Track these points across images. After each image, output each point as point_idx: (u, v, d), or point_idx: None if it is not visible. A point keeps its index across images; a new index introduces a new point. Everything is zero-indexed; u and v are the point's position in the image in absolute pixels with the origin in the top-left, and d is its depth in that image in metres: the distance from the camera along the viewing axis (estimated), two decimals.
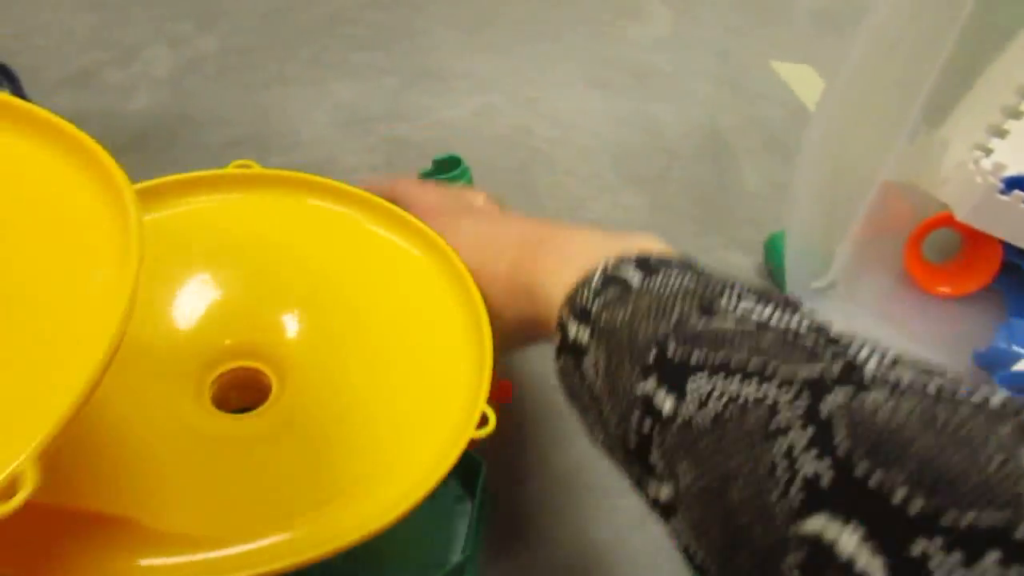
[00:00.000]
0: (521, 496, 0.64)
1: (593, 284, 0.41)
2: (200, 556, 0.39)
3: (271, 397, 0.49)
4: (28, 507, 0.36)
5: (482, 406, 0.46)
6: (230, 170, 0.55)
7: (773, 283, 0.86)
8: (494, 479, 0.61)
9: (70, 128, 0.33)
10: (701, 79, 1.23)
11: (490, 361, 0.49)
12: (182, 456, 0.45)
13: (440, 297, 0.53)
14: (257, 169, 0.56)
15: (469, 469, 0.59)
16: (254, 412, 0.48)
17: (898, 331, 0.81)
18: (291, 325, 0.52)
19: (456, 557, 0.54)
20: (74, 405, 0.27)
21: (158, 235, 0.51)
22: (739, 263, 0.89)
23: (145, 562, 0.38)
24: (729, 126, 1.12)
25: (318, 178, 0.56)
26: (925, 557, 0.24)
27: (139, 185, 0.52)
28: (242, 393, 0.50)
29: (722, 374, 0.33)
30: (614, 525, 0.63)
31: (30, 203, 0.32)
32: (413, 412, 0.49)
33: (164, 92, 1.02)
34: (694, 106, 1.16)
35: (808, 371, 0.31)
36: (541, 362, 0.76)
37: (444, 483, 0.57)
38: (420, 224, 0.55)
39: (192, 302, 0.51)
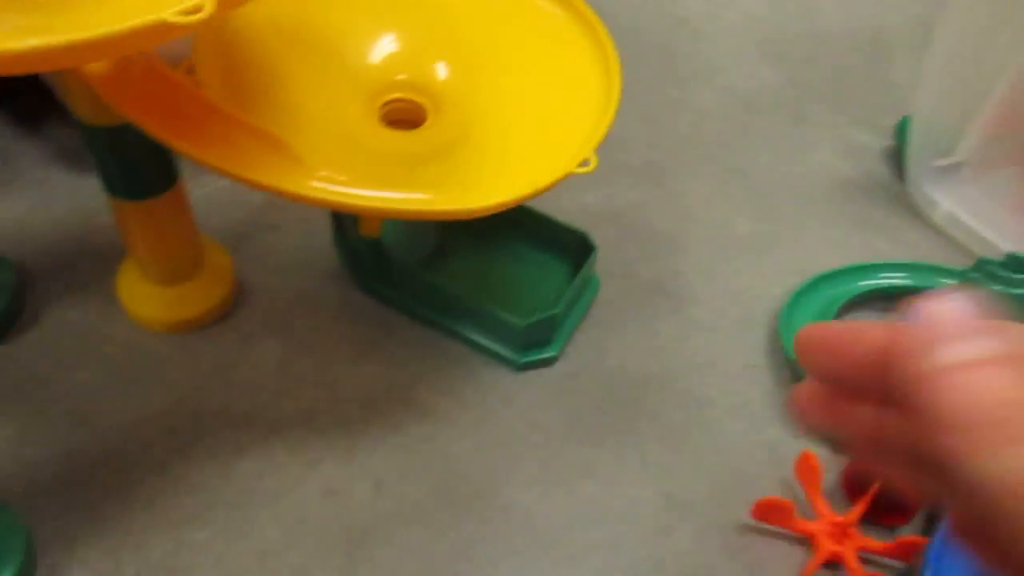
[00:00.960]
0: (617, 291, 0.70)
1: None
2: (356, 190, 0.47)
3: (426, 123, 0.58)
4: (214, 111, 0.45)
5: (589, 152, 0.51)
6: None
7: (899, 164, 0.86)
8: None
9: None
10: None
11: (600, 130, 0.53)
12: (349, 136, 0.55)
13: (579, 58, 0.59)
14: None
15: (584, 251, 0.67)
16: (409, 130, 0.57)
17: (1016, 224, 0.79)
18: (449, 71, 0.60)
19: (555, 310, 0.61)
20: None
21: None
22: (864, 142, 0.89)
23: (318, 183, 0.46)
24: (893, 24, 1.09)
25: None
26: None
27: None
28: (402, 124, 0.59)
29: None
30: (682, 328, 0.68)
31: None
32: (537, 141, 0.56)
33: None
34: (860, 2, 1.13)
35: None
36: (624, 195, 0.81)
37: (559, 262, 0.69)
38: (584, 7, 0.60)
39: (382, 44, 0.60)
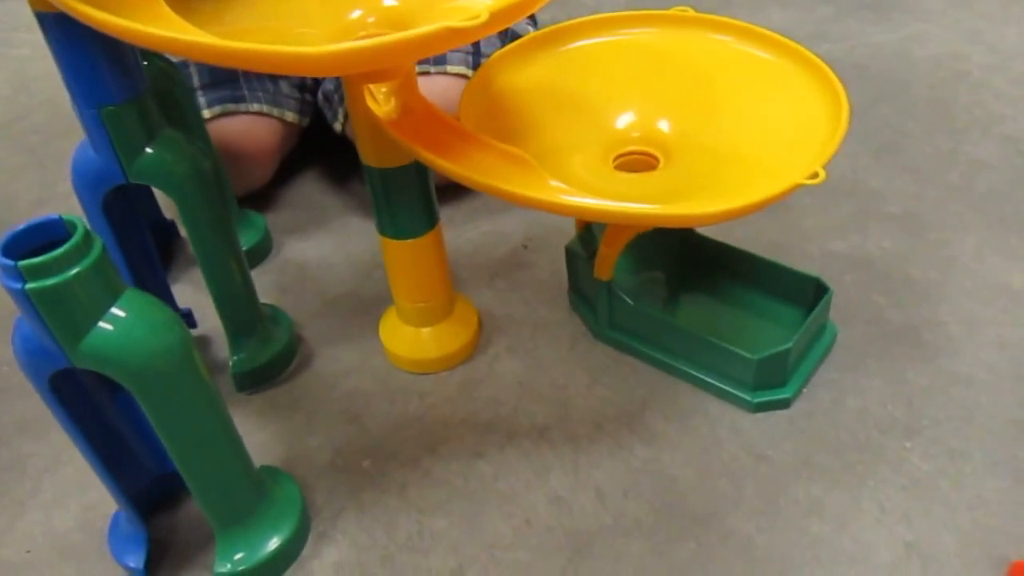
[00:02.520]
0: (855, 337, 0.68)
1: None
2: (592, 199, 0.51)
3: (658, 167, 0.62)
4: (473, 139, 0.53)
5: (818, 167, 0.51)
6: (671, 11, 0.69)
7: None
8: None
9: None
10: None
11: (832, 146, 0.54)
12: (589, 178, 0.61)
13: (803, 93, 0.60)
14: (690, 13, 0.68)
15: (818, 296, 0.66)
16: (643, 173, 0.62)
17: None
18: (678, 126, 0.64)
19: (788, 345, 0.61)
20: None
21: (616, 54, 0.68)
22: None
23: (553, 184, 0.52)
24: None
25: (725, 19, 0.66)
26: None
27: (601, 16, 0.68)
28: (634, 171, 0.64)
29: None
30: (934, 378, 0.64)
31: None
32: (762, 171, 0.57)
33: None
34: None
35: None
36: (877, 243, 0.77)
37: (791, 308, 0.69)
38: (789, 41, 0.62)
39: (625, 102, 0.66)
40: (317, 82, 0.92)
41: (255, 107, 0.85)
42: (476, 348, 0.70)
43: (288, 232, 0.86)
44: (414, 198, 0.61)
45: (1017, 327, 0.67)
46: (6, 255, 0.41)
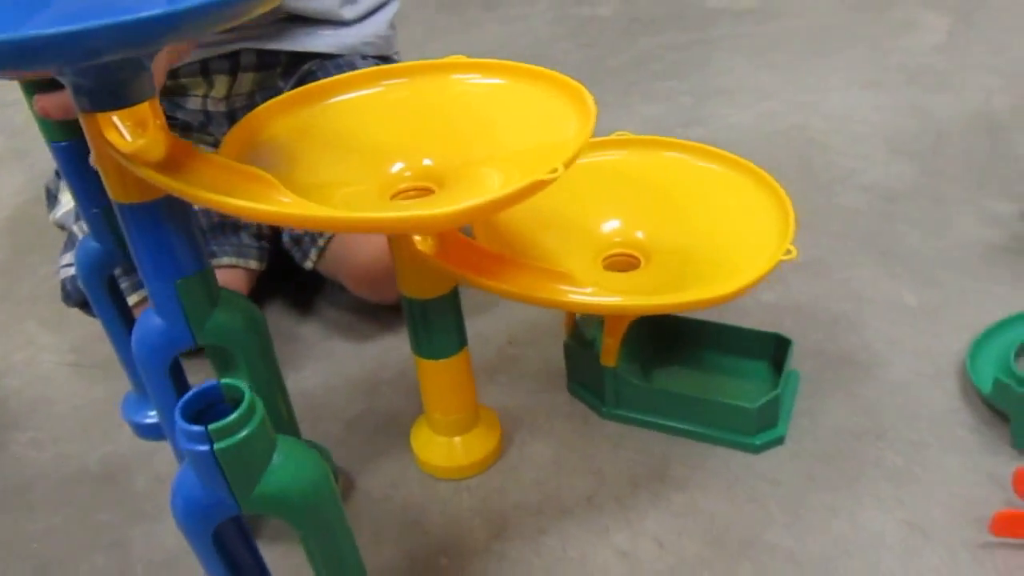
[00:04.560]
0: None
1: None
2: (599, 297, 0.64)
3: (640, 268, 0.75)
4: (502, 258, 0.64)
5: (785, 247, 0.66)
6: (612, 137, 0.82)
7: None
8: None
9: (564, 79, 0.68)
10: (975, 72, 1.32)
11: (790, 231, 0.68)
12: (585, 271, 0.73)
13: (751, 197, 0.75)
14: (629, 136, 0.82)
15: (780, 347, 0.79)
16: (629, 273, 0.74)
17: None
18: (655, 229, 0.77)
19: (778, 391, 0.74)
20: None
21: (588, 176, 0.80)
22: (1004, 212, 0.99)
23: (588, 290, 0.64)
24: (1005, 107, 1.21)
25: (672, 140, 0.81)
26: None
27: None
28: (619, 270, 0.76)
29: None
30: (879, 389, 0.79)
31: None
32: (732, 265, 0.71)
33: None
34: (967, 94, 1.26)
35: None
36: (798, 288, 0.93)
37: (754, 362, 0.82)
38: (733, 155, 0.78)
39: (604, 214, 0.79)
40: (275, 230, 0.98)
41: (225, 260, 0.91)
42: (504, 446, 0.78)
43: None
44: (449, 322, 0.70)
45: (924, 336, 0.84)
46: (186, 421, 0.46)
